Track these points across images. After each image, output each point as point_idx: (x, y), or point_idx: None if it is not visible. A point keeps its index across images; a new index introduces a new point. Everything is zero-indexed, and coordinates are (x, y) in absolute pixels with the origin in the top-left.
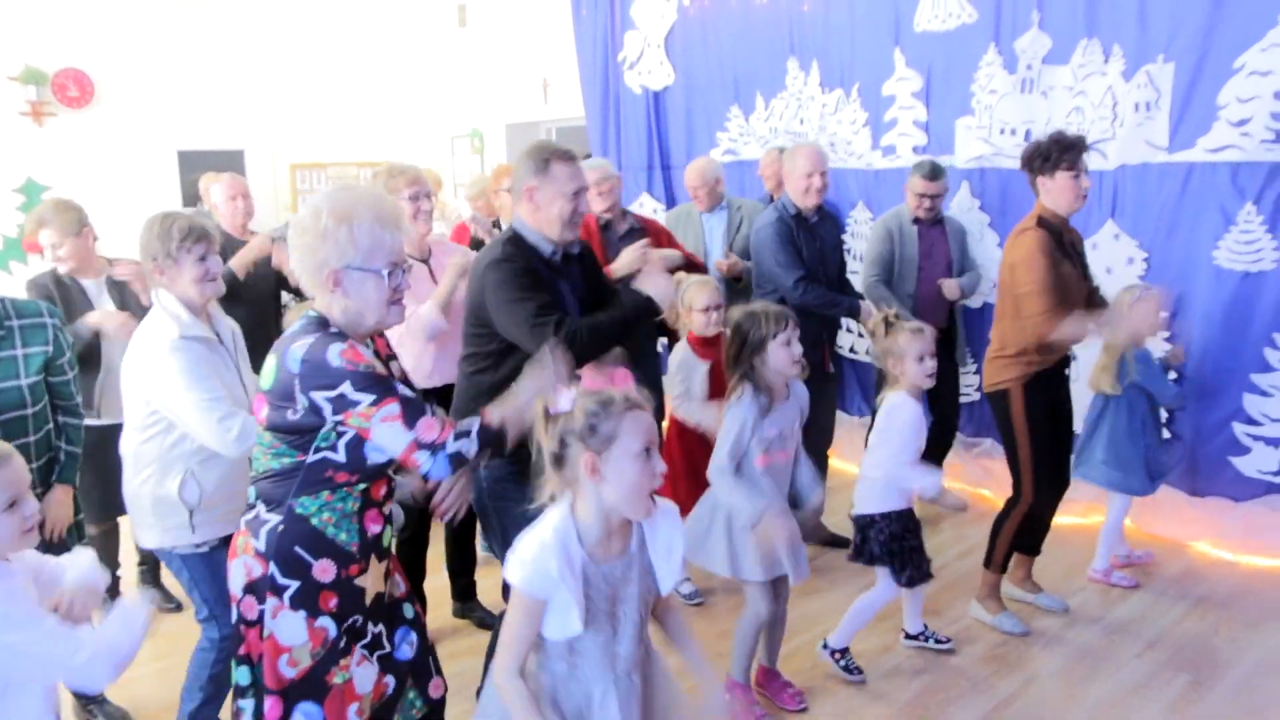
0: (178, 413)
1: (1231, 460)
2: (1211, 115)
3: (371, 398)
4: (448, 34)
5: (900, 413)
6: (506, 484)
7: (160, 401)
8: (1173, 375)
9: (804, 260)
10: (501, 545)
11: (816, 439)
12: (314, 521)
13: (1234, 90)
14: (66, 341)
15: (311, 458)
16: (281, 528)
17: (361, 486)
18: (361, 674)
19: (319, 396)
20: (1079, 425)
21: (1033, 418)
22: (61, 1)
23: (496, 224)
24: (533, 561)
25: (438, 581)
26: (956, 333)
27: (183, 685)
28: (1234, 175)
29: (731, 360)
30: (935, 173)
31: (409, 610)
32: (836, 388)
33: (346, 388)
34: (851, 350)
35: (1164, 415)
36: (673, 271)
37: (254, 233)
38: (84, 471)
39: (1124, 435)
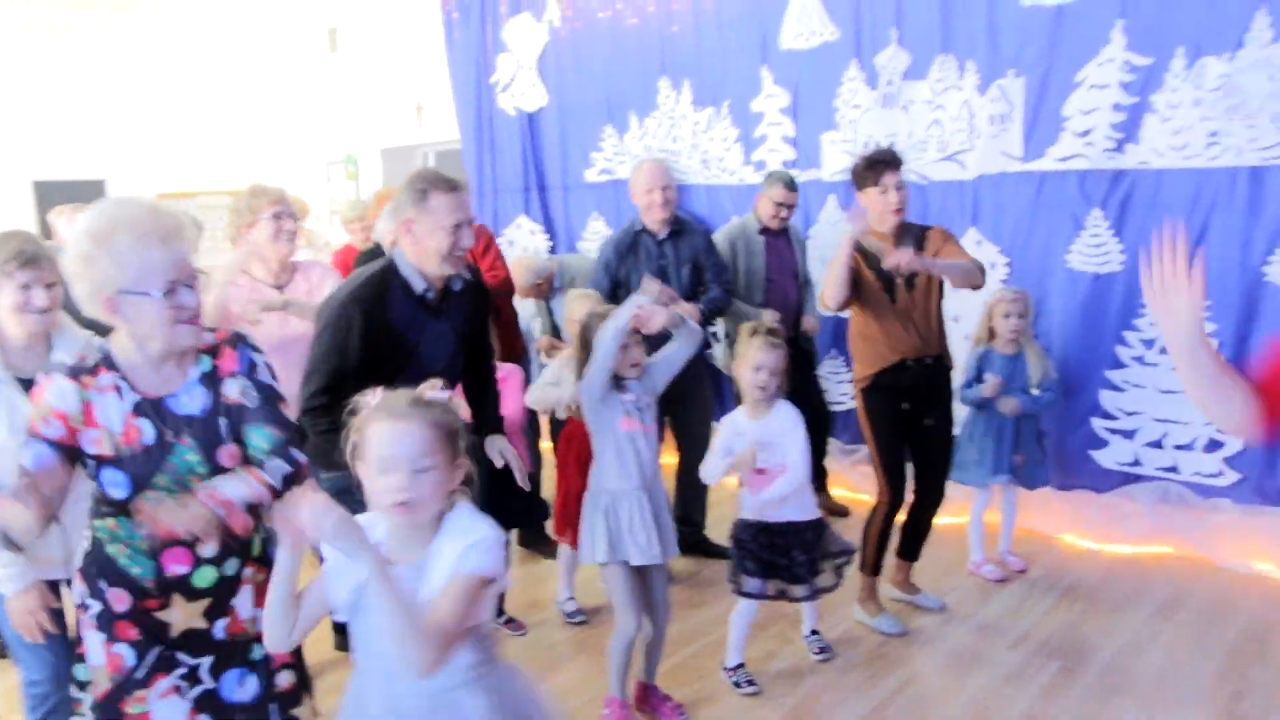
0: None
1: (1091, 454)
2: (1058, 126)
3: None
4: (319, 58)
5: (726, 419)
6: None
7: None
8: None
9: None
10: None
11: (697, 426)
12: (108, 549)
13: (1077, 103)
14: None
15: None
16: (88, 548)
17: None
18: (165, 708)
19: None
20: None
21: (875, 421)
22: None
23: (376, 251)
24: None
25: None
26: (811, 342)
27: None
28: (1081, 182)
29: (581, 363)
30: (794, 183)
31: (258, 652)
32: (710, 394)
33: None
34: None
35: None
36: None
37: None
38: None
39: (981, 435)
